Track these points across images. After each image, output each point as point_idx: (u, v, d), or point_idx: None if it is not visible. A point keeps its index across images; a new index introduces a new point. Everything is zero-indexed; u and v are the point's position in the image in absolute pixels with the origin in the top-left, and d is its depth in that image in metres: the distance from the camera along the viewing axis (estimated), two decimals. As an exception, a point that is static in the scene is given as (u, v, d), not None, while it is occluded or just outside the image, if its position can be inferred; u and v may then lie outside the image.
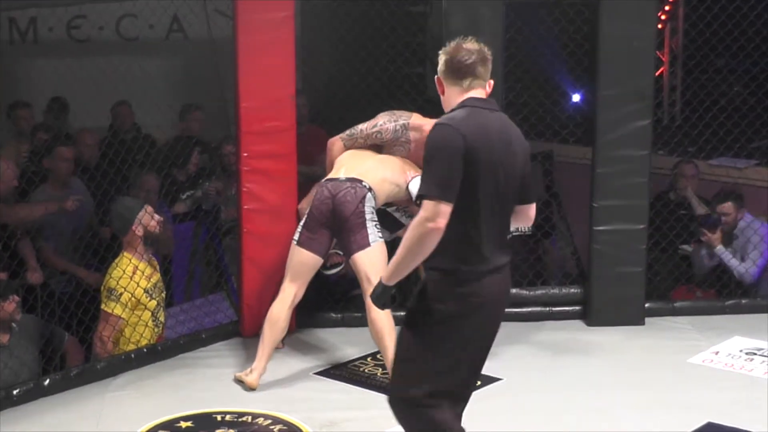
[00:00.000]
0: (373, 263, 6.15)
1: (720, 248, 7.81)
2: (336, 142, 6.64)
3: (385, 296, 4.47)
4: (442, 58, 4.47)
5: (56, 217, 7.31)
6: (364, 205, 6.22)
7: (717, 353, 6.75)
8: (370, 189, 6.28)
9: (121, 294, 6.38)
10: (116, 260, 6.51)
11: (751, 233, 7.82)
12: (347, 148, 6.57)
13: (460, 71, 4.42)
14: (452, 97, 4.46)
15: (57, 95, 8.81)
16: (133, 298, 6.43)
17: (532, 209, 4.59)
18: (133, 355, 6.50)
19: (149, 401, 6.11)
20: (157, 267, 6.71)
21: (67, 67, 8.02)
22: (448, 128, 4.29)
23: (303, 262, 6.29)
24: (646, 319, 7.27)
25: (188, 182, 8.11)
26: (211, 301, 7.63)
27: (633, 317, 7.21)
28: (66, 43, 9.97)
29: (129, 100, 8.80)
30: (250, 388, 6.19)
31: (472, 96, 4.41)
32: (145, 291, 6.49)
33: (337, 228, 6.25)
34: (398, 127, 6.52)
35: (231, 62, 6.82)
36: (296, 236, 6.33)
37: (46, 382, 6.14)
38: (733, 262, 7.79)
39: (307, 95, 8.43)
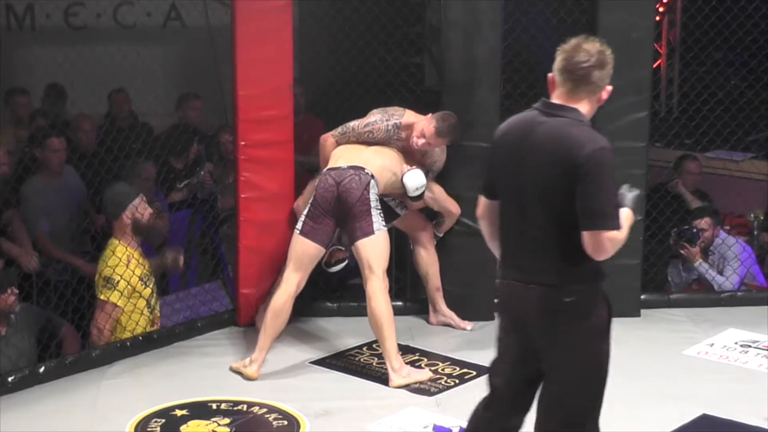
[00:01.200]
0: (375, 251, 6.17)
1: (700, 262, 7.80)
2: (328, 138, 6.65)
3: None
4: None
5: (49, 204, 7.30)
6: (368, 192, 6.23)
7: (712, 345, 6.76)
8: (372, 176, 6.28)
9: (117, 282, 6.37)
10: (110, 248, 6.48)
11: (725, 249, 7.84)
12: (339, 144, 6.58)
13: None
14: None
15: (55, 82, 8.80)
16: (129, 286, 6.42)
17: (586, 237, 4.10)
18: (128, 343, 6.50)
19: (144, 389, 6.11)
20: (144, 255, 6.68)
21: (65, 55, 8.01)
22: None
23: (306, 252, 6.28)
24: (642, 311, 7.28)
25: (185, 171, 8.11)
26: (207, 290, 7.62)
27: (629, 309, 7.20)
28: (63, 30, 9.96)
29: (126, 88, 8.79)
30: (249, 380, 6.19)
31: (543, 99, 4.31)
32: (140, 279, 6.49)
33: (342, 215, 6.25)
34: (390, 127, 6.54)
35: (229, 50, 6.81)
36: (299, 226, 6.32)
37: (42, 369, 6.14)
38: (712, 273, 7.79)
39: (304, 84, 8.43)
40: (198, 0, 9.11)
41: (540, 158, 4.15)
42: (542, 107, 4.25)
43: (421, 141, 6.48)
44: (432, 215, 7.01)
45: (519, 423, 4.49)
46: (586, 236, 4.08)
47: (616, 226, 4.11)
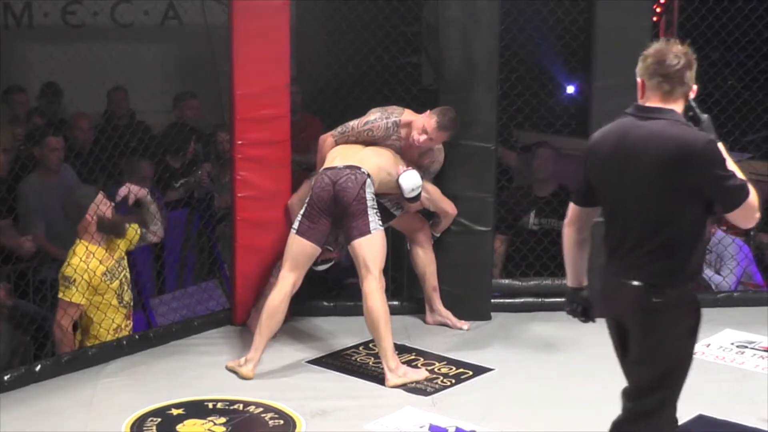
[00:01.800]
0: (372, 251, 6.17)
1: None
2: (327, 138, 6.65)
3: None
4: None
5: (46, 203, 7.31)
6: (365, 191, 6.23)
7: (708, 346, 6.76)
8: (368, 175, 6.28)
9: (75, 280, 6.29)
10: (72, 248, 6.40)
11: (722, 249, 7.84)
12: (338, 144, 6.59)
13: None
14: None
15: (51, 80, 8.80)
16: (87, 282, 6.32)
17: (736, 214, 4.32)
18: (125, 342, 6.50)
19: (140, 388, 6.11)
20: (120, 247, 6.58)
21: (62, 53, 8.01)
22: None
23: (302, 251, 6.29)
24: (639, 311, 7.27)
25: (182, 170, 8.11)
26: (204, 289, 7.63)
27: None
28: (61, 28, 9.96)
29: (124, 86, 8.79)
30: (244, 379, 6.19)
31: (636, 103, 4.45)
32: (104, 274, 6.39)
33: (338, 215, 6.25)
34: (389, 125, 6.54)
35: (226, 49, 6.80)
36: (296, 225, 6.33)
37: (38, 367, 6.14)
38: (709, 273, 7.79)
39: (301, 83, 8.43)
40: (195, -1, 9.12)
41: (644, 161, 4.26)
42: (637, 112, 4.39)
43: (423, 137, 6.48)
44: (429, 214, 7.01)
45: None
46: (736, 214, 4.28)
47: (748, 189, 4.30)
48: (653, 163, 4.23)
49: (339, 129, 6.63)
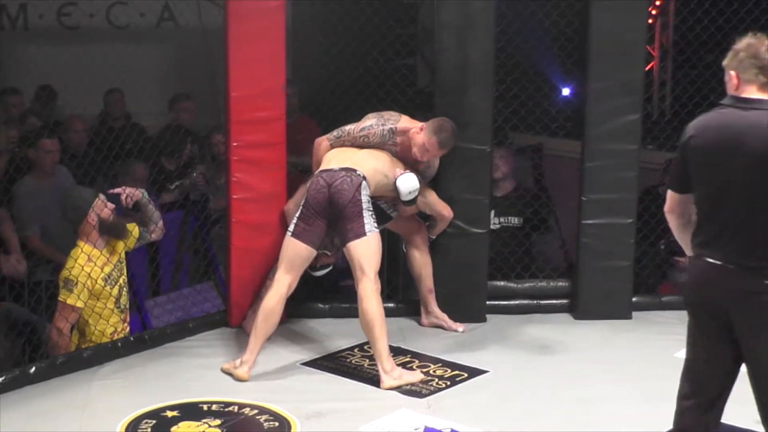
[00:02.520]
0: (367, 253, 6.17)
1: None
2: (323, 142, 6.65)
3: None
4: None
5: (41, 204, 7.30)
6: (360, 194, 6.23)
7: (703, 348, 6.75)
8: (364, 178, 6.28)
9: (76, 284, 6.29)
10: (72, 251, 6.39)
11: None
12: (333, 147, 6.59)
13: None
14: None
15: (46, 83, 8.79)
16: (88, 288, 6.33)
17: None
18: (119, 344, 6.48)
19: (135, 390, 6.10)
20: (121, 254, 6.59)
21: (58, 55, 8.01)
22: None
23: (298, 253, 6.29)
24: (633, 314, 7.28)
25: (177, 172, 8.10)
26: (199, 291, 7.63)
27: (620, 311, 7.22)
28: (56, 30, 9.96)
29: (120, 88, 8.78)
30: (240, 381, 6.19)
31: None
32: (105, 278, 6.40)
33: (333, 217, 6.25)
34: (385, 132, 6.55)
35: (222, 51, 6.80)
36: (291, 227, 6.33)
37: (32, 369, 6.12)
38: None
39: (297, 85, 8.43)
40: (191, 0, 9.12)
41: (749, 149, 4.40)
42: (735, 103, 4.52)
43: (426, 155, 6.51)
44: (425, 217, 7.01)
45: (721, 409, 4.86)
46: None
47: None
48: (758, 150, 4.38)
49: (335, 133, 6.63)
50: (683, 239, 4.81)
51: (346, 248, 6.25)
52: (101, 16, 10.03)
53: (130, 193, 6.53)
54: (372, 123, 6.58)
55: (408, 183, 6.48)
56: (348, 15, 7.70)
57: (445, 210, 6.91)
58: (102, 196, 6.47)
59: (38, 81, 8.85)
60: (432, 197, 6.85)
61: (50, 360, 6.27)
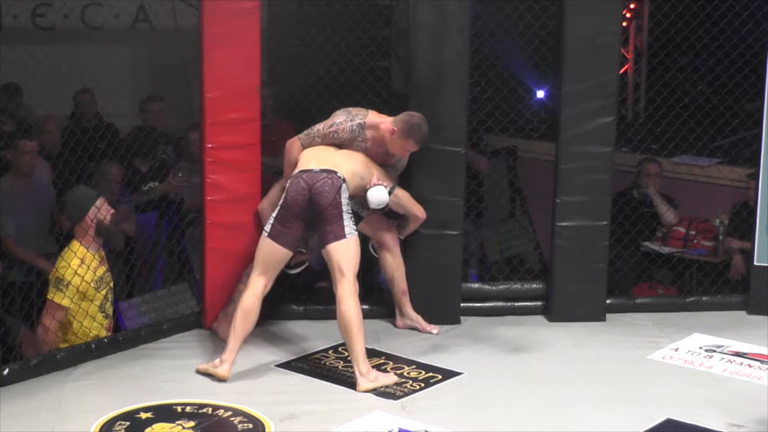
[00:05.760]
0: (347, 256, 6.17)
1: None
2: (294, 142, 6.64)
3: None
4: None
5: (17, 205, 7.28)
6: (340, 196, 6.23)
7: (677, 350, 6.79)
8: (344, 180, 6.29)
9: (67, 284, 6.29)
10: (66, 248, 6.42)
11: None
12: (305, 147, 6.58)
13: None
14: None
15: (10, 81, 8.75)
16: (80, 290, 6.33)
17: None
18: (93, 345, 6.46)
19: (109, 391, 6.08)
20: (105, 258, 6.60)
21: (31, 55, 7.98)
22: None
23: (273, 255, 6.28)
24: (607, 316, 7.29)
25: (150, 173, 8.07)
26: (173, 292, 7.61)
27: (594, 313, 7.24)
28: (30, 30, 9.92)
29: (93, 89, 8.75)
30: (221, 380, 6.18)
31: None
32: (94, 282, 6.40)
33: (313, 219, 6.25)
34: (354, 127, 6.55)
35: (196, 52, 6.79)
36: (267, 228, 6.32)
37: (5, 371, 6.10)
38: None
39: (272, 87, 8.42)
40: (166, 1, 9.10)
41: None
42: None
43: (407, 154, 6.57)
44: (394, 216, 6.98)
45: None
46: None
47: None
48: None
49: (305, 132, 6.62)
50: None
51: (326, 250, 6.24)
52: (76, 17, 9.99)
53: (103, 212, 6.50)
54: (341, 120, 6.58)
55: (378, 196, 6.48)
56: (323, 17, 7.70)
57: (418, 210, 6.91)
58: (104, 198, 6.49)
59: (12, 81, 8.81)
60: (406, 198, 6.85)
61: (24, 362, 6.25)
